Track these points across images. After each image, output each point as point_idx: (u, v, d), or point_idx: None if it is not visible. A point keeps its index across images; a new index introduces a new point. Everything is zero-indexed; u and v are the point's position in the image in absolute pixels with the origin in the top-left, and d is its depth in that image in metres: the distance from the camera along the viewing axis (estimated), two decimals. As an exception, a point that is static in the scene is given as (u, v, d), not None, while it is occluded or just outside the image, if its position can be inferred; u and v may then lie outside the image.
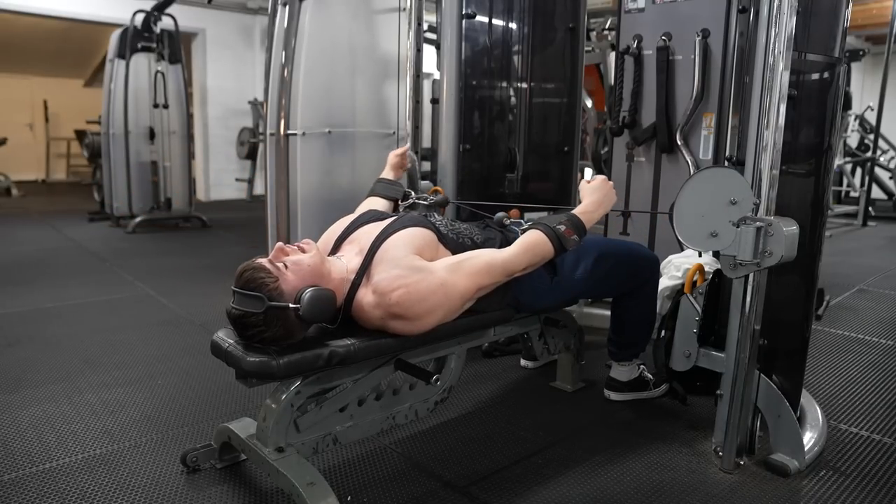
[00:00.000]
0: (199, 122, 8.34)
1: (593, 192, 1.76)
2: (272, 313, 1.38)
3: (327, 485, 1.41)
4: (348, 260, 1.57)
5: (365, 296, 1.50)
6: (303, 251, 1.47)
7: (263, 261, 1.43)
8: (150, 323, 3.05)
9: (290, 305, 1.38)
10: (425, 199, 2.09)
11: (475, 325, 1.76)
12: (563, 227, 1.66)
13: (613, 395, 2.17)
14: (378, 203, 2.05)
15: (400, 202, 2.09)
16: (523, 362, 2.49)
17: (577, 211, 1.72)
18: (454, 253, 1.65)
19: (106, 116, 5.86)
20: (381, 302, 1.47)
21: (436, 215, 1.87)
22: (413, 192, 2.13)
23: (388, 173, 2.20)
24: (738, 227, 1.54)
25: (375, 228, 1.63)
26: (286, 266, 1.42)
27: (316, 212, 2.98)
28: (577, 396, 2.24)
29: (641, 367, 2.18)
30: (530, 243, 1.64)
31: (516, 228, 1.81)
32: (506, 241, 1.83)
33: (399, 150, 2.26)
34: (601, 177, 1.81)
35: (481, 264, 1.60)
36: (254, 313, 1.37)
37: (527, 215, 2.77)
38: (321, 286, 1.43)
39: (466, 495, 1.62)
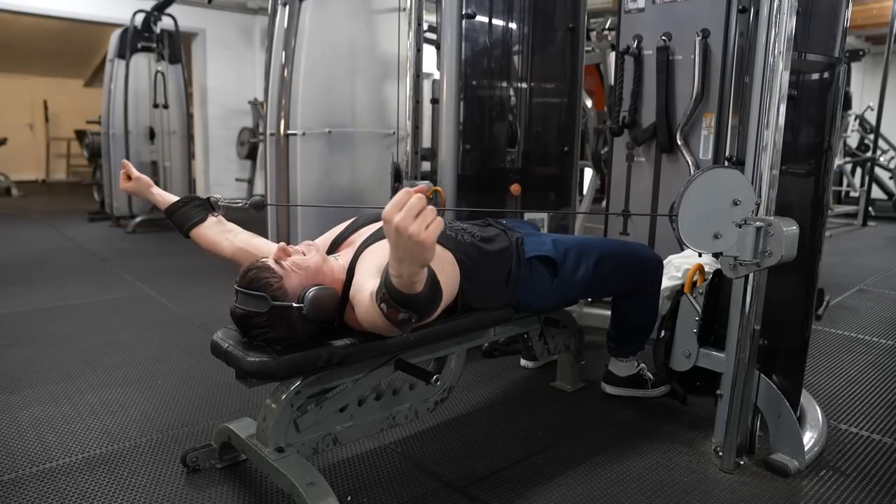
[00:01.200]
0: (199, 122, 8.33)
1: (388, 240, 1.07)
2: (276, 313, 1.38)
3: (327, 485, 1.41)
4: (344, 262, 1.58)
5: (349, 303, 1.49)
6: (304, 253, 1.48)
7: (268, 260, 1.44)
8: (150, 323, 3.05)
9: (294, 305, 1.38)
10: (238, 203, 1.78)
11: (475, 325, 1.76)
12: (385, 308, 1.18)
13: (609, 389, 2.18)
14: (211, 229, 1.75)
15: (214, 214, 1.77)
16: (523, 362, 2.49)
17: (389, 272, 1.14)
18: (454, 251, 1.65)
19: (106, 116, 5.86)
20: (354, 311, 1.42)
21: None
22: (219, 196, 1.79)
23: (163, 195, 1.82)
24: (741, 228, 1.54)
25: (368, 231, 1.63)
26: (289, 266, 1.43)
27: (316, 212, 2.98)
28: (577, 396, 2.24)
29: (641, 365, 2.17)
30: (368, 308, 1.28)
31: (520, 232, 1.69)
32: (507, 239, 1.83)
33: (126, 174, 1.84)
34: (387, 207, 1.03)
35: (358, 304, 1.36)
36: (258, 313, 1.37)
37: (527, 215, 2.78)
38: (324, 285, 1.43)
39: (466, 495, 1.62)
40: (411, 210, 1.01)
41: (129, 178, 1.84)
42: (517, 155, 2.96)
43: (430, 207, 1.03)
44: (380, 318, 1.24)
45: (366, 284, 1.37)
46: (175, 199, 1.79)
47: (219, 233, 1.76)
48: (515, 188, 2.79)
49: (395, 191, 2.60)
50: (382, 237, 1.54)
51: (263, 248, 1.73)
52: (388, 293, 1.15)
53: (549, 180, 3.11)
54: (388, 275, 1.13)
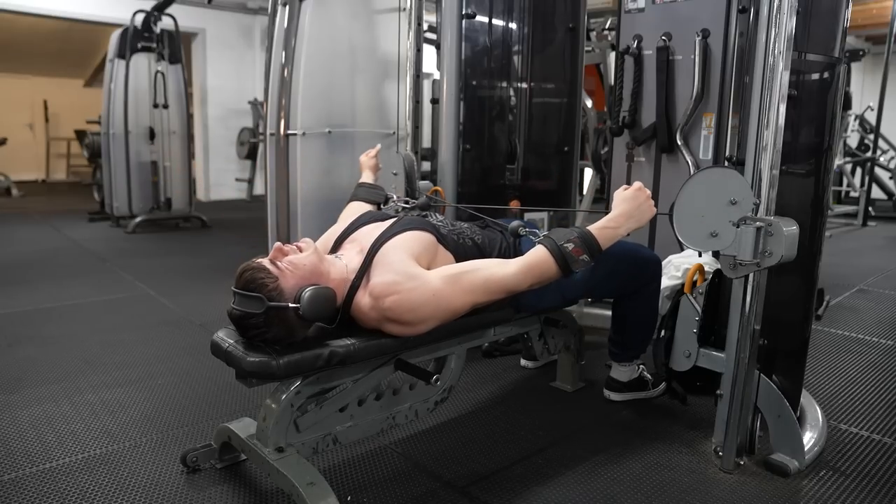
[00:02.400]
0: (199, 122, 8.34)
1: (622, 203, 1.61)
2: (272, 314, 1.38)
3: (327, 485, 1.41)
4: (348, 260, 1.57)
5: (363, 297, 1.50)
6: (300, 250, 1.47)
7: (263, 261, 1.43)
8: (150, 323, 3.05)
9: (290, 305, 1.38)
10: (406, 203, 2.09)
11: (475, 325, 1.76)
12: (571, 246, 1.53)
13: (613, 396, 2.17)
14: (362, 208, 2.02)
15: (382, 206, 2.07)
16: (523, 362, 2.49)
17: (597, 224, 1.59)
18: (455, 254, 1.65)
19: (106, 116, 5.86)
20: (375, 305, 1.48)
21: (437, 215, 1.87)
22: (395, 196, 2.11)
23: (367, 177, 2.18)
24: (738, 228, 1.54)
25: (376, 229, 1.63)
26: (285, 266, 1.43)
27: (316, 212, 2.98)
28: (577, 396, 2.24)
29: (641, 366, 2.18)
30: (533, 262, 1.55)
31: (532, 238, 1.73)
32: (506, 242, 1.83)
33: (371, 151, 2.24)
34: (637, 184, 1.65)
35: (479, 281, 1.54)
36: (254, 314, 1.37)
37: (527, 216, 2.78)
38: (320, 285, 1.43)
39: (466, 495, 1.62)
40: (644, 193, 1.65)
41: (374, 156, 2.24)
42: (517, 156, 2.96)
43: (647, 194, 1.65)
44: (471, 294, 1.53)
45: (417, 271, 1.50)
46: (372, 181, 2.16)
47: (355, 213, 1.93)
48: (515, 204, 2.81)
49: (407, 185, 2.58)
50: (399, 231, 1.60)
51: (321, 240, 1.79)
52: (583, 239, 1.55)
53: (549, 181, 3.11)
54: (590, 230, 1.57)
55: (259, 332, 1.40)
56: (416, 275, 1.50)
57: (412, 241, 1.58)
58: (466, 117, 2.70)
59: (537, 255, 1.56)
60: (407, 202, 2.09)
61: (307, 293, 1.39)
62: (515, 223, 1.76)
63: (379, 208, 2.07)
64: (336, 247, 1.67)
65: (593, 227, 1.57)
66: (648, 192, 1.63)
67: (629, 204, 1.60)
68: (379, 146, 2.32)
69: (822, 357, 2.66)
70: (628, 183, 2.62)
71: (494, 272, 1.55)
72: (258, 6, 8.18)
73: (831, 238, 5.81)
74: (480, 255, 1.73)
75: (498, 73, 2.88)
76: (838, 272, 4.28)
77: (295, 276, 1.42)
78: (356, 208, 2.02)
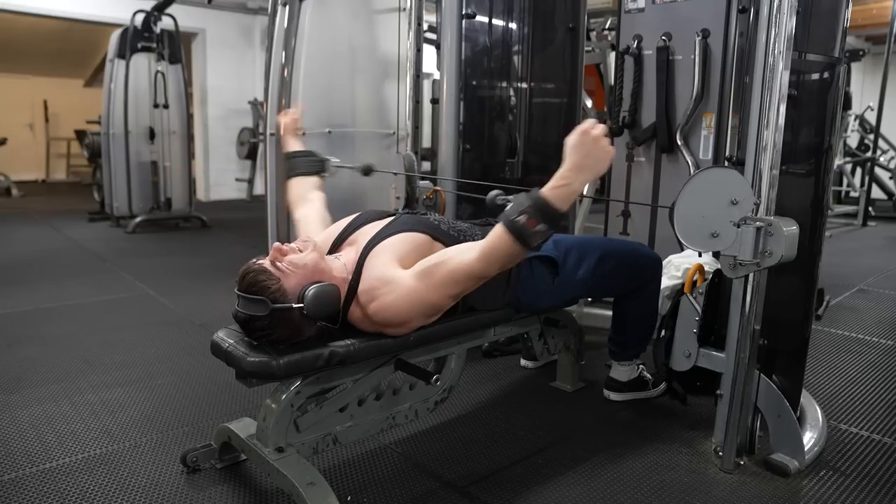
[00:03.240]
0: (199, 122, 8.33)
1: (569, 154, 1.38)
2: (277, 315, 1.38)
3: (327, 485, 1.41)
4: (347, 260, 1.57)
5: (357, 301, 1.51)
6: (300, 250, 1.48)
7: (264, 262, 1.43)
8: (150, 323, 3.05)
9: (294, 306, 1.38)
10: (347, 167, 1.99)
11: (475, 325, 1.76)
12: (524, 219, 1.35)
13: (613, 396, 2.17)
14: (308, 183, 1.94)
15: (322, 175, 1.97)
16: (523, 362, 2.49)
17: (549, 185, 1.38)
18: None
19: (106, 116, 5.86)
20: (363, 311, 1.49)
21: (437, 214, 1.87)
22: (332, 158, 1.98)
23: (295, 144, 2.04)
24: (738, 228, 1.54)
25: (373, 229, 1.63)
26: (286, 266, 1.43)
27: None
28: (577, 396, 2.24)
29: (641, 366, 2.18)
30: (491, 246, 1.42)
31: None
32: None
33: (291, 113, 2.08)
34: (581, 127, 1.39)
35: (446, 273, 1.46)
36: (259, 317, 1.38)
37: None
38: (323, 282, 1.43)
39: (466, 495, 1.62)
40: (602, 130, 1.38)
41: (293, 118, 2.05)
42: (517, 155, 2.96)
43: (597, 136, 1.37)
44: (442, 288, 1.46)
45: (394, 273, 1.47)
46: (301, 147, 2.00)
47: (304, 193, 1.91)
48: None
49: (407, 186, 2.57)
50: (390, 234, 1.58)
51: (308, 228, 1.79)
52: (536, 207, 1.36)
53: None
54: (542, 192, 1.37)
55: (265, 333, 1.41)
56: (390, 278, 1.48)
57: (401, 242, 1.57)
58: (466, 117, 2.70)
59: (494, 236, 1.41)
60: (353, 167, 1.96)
61: (310, 292, 1.39)
62: (493, 193, 1.58)
63: (321, 176, 1.98)
64: (335, 247, 1.67)
65: (545, 189, 1.38)
66: (597, 132, 1.37)
67: (576, 154, 1.37)
68: (301, 105, 2.13)
69: (822, 357, 2.66)
70: (628, 183, 2.65)
71: (458, 261, 1.46)
72: (258, 6, 8.17)
73: (831, 238, 5.81)
74: None
75: (498, 73, 2.88)
76: (838, 272, 4.28)
77: (297, 276, 1.42)
78: (300, 185, 1.95)
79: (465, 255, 1.46)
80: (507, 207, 1.40)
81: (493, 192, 1.57)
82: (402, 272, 1.50)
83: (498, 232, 1.40)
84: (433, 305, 1.52)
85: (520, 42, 2.91)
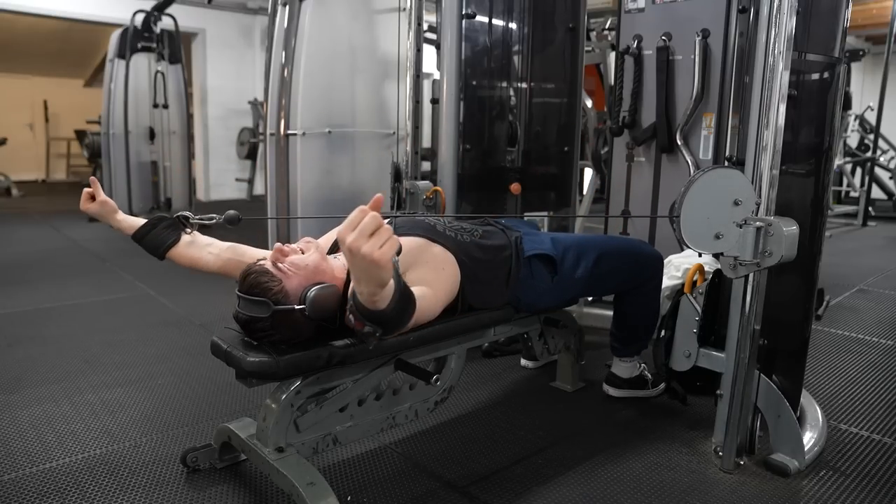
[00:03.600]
0: (199, 122, 8.34)
1: (347, 260, 1.06)
2: (279, 317, 1.38)
3: (327, 485, 1.41)
4: (345, 262, 1.57)
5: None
6: (302, 251, 1.48)
7: (265, 263, 1.43)
8: (150, 323, 3.05)
9: (296, 307, 1.38)
10: (211, 219, 1.66)
11: (475, 325, 1.76)
12: (352, 319, 1.21)
13: (612, 391, 2.17)
14: (188, 245, 1.73)
15: (186, 232, 1.73)
16: (523, 362, 2.49)
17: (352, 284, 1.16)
18: (455, 252, 1.65)
19: (106, 116, 5.87)
20: None
21: (434, 214, 1.86)
22: (190, 214, 1.73)
23: (129, 223, 1.77)
24: (741, 228, 1.54)
25: None
26: (287, 267, 1.43)
27: (316, 212, 2.98)
28: (577, 396, 2.24)
29: (643, 365, 2.17)
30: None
31: (519, 231, 1.64)
32: (506, 238, 1.83)
33: (87, 191, 1.74)
34: (341, 227, 1.03)
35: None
36: (261, 318, 1.38)
37: (526, 216, 2.78)
38: (324, 283, 1.43)
39: (466, 495, 1.62)
40: (365, 230, 1.00)
41: (92, 198, 1.73)
42: (517, 155, 2.97)
43: (386, 226, 1.02)
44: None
45: None
46: (142, 222, 1.72)
47: (198, 249, 1.72)
48: (515, 187, 2.79)
49: (395, 191, 2.60)
50: None
51: (250, 253, 1.71)
52: (355, 306, 1.17)
53: (549, 180, 3.11)
54: (356, 296, 1.15)
55: (266, 334, 1.41)
56: None
57: None
58: (466, 117, 2.70)
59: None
60: (211, 218, 1.67)
61: (311, 293, 1.39)
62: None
63: (187, 233, 1.74)
64: (335, 248, 1.67)
65: (352, 288, 1.16)
66: (351, 239, 1.00)
67: (347, 260, 1.05)
68: (96, 182, 1.76)
69: (822, 357, 2.66)
70: (628, 183, 2.64)
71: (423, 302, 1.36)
72: (258, 6, 8.17)
73: (831, 238, 5.81)
74: (480, 251, 1.72)
75: (498, 73, 2.88)
76: (838, 272, 4.28)
77: (298, 277, 1.42)
78: (184, 252, 1.73)
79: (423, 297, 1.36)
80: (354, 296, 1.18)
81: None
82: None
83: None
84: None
85: (520, 42, 2.91)
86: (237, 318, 1.43)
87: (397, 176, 2.60)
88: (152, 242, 1.71)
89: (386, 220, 1.65)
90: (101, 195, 1.74)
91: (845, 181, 7.92)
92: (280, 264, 1.43)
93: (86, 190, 1.73)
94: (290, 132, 2.99)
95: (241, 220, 1.61)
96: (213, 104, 8.36)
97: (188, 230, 1.72)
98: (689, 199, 1.58)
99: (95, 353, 2.61)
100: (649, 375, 2.17)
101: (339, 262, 1.56)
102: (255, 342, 1.44)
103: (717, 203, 1.56)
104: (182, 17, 6.30)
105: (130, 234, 1.74)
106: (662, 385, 2.17)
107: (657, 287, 2.03)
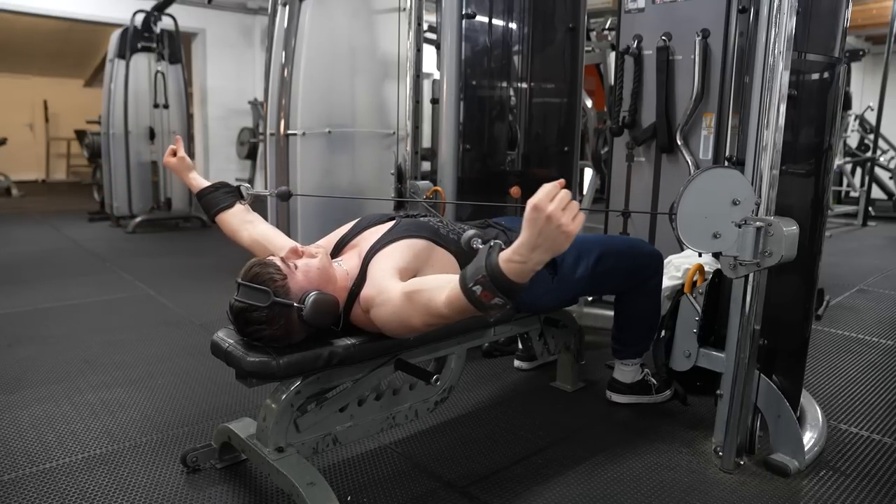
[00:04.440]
0: (199, 122, 8.33)
1: (525, 227, 1.12)
2: (276, 310, 1.38)
3: (327, 485, 1.41)
4: (349, 266, 1.57)
5: (359, 306, 1.50)
6: (313, 256, 1.48)
7: (274, 258, 1.44)
8: (150, 323, 3.05)
9: (295, 305, 1.38)
10: (265, 193, 1.98)
11: (475, 325, 1.76)
12: (479, 290, 1.17)
13: (616, 397, 2.16)
14: (237, 212, 1.82)
15: (241, 202, 1.85)
16: (517, 363, 2.48)
17: (505, 253, 1.16)
18: (456, 254, 1.65)
19: (106, 116, 5.86)
20: (366, 315, 1.48)
21: (435, 218, 1.86)
22: (247, 185, 1.87)
23: (198, 181, 1.90)
24: (740, 228, 1.54)
25: (375, 234, 1.63)
26: (296, 266, 1.43)
27: (316, 212, 2.98)
28: (577, 396, 2.24)
29: (645, 370, 2.16)
30: (453, 300, 1.25)
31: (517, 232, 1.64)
32: (507, 239, 1.83)
33: (175, 149, 1.94)
34: (534, 200, 1.10)
35: (423, 304, 1.34)
36: (258, 307, 1.37)
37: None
38: (327, 291, 1.43)
39: (466, 495, 1.62)
40: (562, 201, 1.08)
41: (174, 154, 1.93)
42: (517, 155, 2.97)
43: (575, 202, 1.11)
44: (421, 315, 1.33)
45: (389, 285, 1.42)
46: (207, 183, 1.88)
47: (241, 221, 1.82)
48: (515, 191, 2.79)
49: (398, 191, 2.59)
50: (392, 241, 1.56)
51: (278, 242, 1.74)
52: (491, 278, 1.15)
53: (549, 180, 3.11)
54: (498, 261, 1.15)
55: (259, 327, 1.39)
56: (385, 288, 1.43)
57: (401, 250, 1.55)
58: (466, 117, 2.70)
59: (455, 292, 1.23)
60: (268, 192, 1.97)
61: (311, 297, 1.39)
62: (468, 234, 1.33)
63: (242, 203, 1.84)
64: (337, 251, 1.67)
65: (503, 258, 1.15)
66: (552, 208, 1.08)
67: (528, 231, 1.11)
68: (179, 140, 1.99)
69: (822, 357, 2.66)
70: (628, 183, 2.64)
71: (432, 296, 1.33)
72: (258, 6, 8.17)
73: (831, 238, 5.81)
74: None
75: (498, 73, 2.88)
76: (838, 272, 4.28)
77: (304, 278, 1.42)
78: (231, 218, 1.82)
79: (439, 292, 1.31)
80: (468, 268, 1.20)
81: (469, 234, 1.33)
82: (396, 286, 1.43)
83: (457, 291, 1.23)
84: (414, 328, 1.41)
85: (520, 42, 2.91)
86: (233, 307, 1.41)
87: (400, 177, 2.60)
88: (210, 202, 1.85)
89: (389, 224, 1.66)
90: (181, 152, 1.94)
91: (845, 181, 7.92)
92: (290, 261, 1.43)
93: (170, 147, 1.95)
94: (290, 132, 2.99)
95: (292, 196, 1.94)
96: (213, 104, 8.36)
97: (243, 201, 1.85)
98: (686, 197, 1.59)
99: (95, 353, 2.61)
100: (653, 381, 2.14)
101: (341, 270, 1.56)
102: (243, 336, 1.43)
103: (715, 202, 1.57)
104: (182, 17, 6.30)
105: (195, 192, 1.90)
106: (668, 392, 2.15)
107: (658, 286, 2.03)
